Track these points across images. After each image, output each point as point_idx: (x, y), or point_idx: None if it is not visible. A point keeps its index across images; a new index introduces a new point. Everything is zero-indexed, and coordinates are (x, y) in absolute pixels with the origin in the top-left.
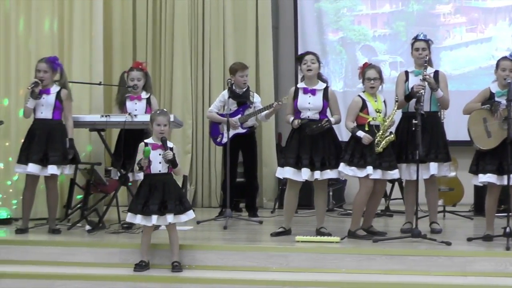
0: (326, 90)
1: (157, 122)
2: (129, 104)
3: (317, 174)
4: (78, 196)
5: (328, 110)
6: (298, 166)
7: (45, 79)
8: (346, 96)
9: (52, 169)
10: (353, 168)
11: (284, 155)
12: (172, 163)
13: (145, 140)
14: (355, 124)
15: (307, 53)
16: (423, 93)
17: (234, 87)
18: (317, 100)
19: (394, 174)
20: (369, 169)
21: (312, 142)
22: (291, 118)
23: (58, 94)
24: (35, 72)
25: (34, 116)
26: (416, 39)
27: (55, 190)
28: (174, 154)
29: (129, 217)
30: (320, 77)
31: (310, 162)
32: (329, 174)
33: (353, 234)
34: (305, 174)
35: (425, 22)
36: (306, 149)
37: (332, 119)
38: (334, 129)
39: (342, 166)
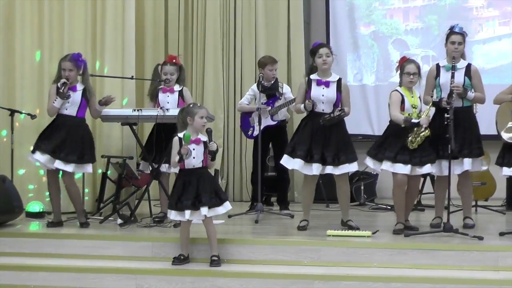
0: (339, 82)
1: (201, 115)
2: (161, 97)
3: (330, 169)
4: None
5: (340, 102)
6: (307, 159)
7: (71, 77)
8: (378, 90)
9: (59, 164)
10: (386, 162)
11: (293, 143)
12: (214, 155)
13: (179, 134)
14: (403, 115)
15: (322, 45)
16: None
17: (262, 80)
18: (330, 92)
19: (424, 169)
20: (400, 167)
21: (324, 136)
22: (302, 105)
23: (84, 92)
24: (59, 70)
25: (58, 113)
26: (452, 31)
27: (73, 187)
28: (217, 147)
29: (168, 213)
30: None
31: (322, 157)
32: (349, 167)
33: (394, 229)
34: (316, 169)
35: (457, 15)
36: (318, 143)
37: (345, 109)
38: (344, 122)
39: (368, 160)
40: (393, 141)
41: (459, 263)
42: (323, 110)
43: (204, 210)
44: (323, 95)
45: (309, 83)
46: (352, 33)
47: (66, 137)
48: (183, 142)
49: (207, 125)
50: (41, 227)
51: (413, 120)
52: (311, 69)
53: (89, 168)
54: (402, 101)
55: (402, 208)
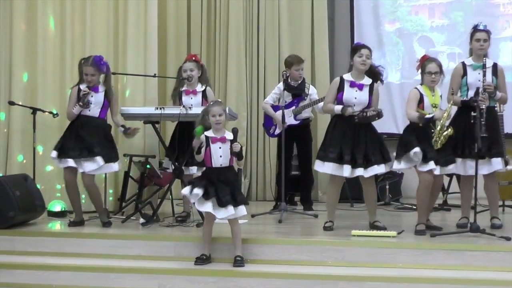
0: (372, 85)
1: (212, 113)
2: (185, 99)
3: (360, 171)
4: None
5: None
6: (340, 161)
7: (93, 82)
8: (403, 88)
9: (83, 165)
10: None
11: (324, 147)
12: (239, 156)
13: (205, 133)
14: (417, 112)
15: (364, 46)
16: (483, 106)
17: (289, 80)
18: (363, 96)
19: (450, 169)
20: (431, 164)
21: (354, 137)
22: (340, 107)
23: (106, 93)
24: (81, 74)
25: (79, 113)
26: (476, 29)
27: (92, 187)
28: (241, 147)
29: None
30: (373, 69)
31: (352, 159)
32: (376, 169)
33: (415, 228)
34: (346, 171)
35: (483, 12)
36: (348, 144)
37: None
38: (373, 124)
39: (397, 163)
40: (421, 139)
41: (485, 264)
42: (353, 113)
43: (241, 209)
44: (355, 98)
45: (341, 83)
46: (376, 30)
47: (87, 139)
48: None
49: (234, 124)
50: (63, 226)
51: (427, 116)
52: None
53: (115, 166)
54: (421, 100)
55: (425, 208)
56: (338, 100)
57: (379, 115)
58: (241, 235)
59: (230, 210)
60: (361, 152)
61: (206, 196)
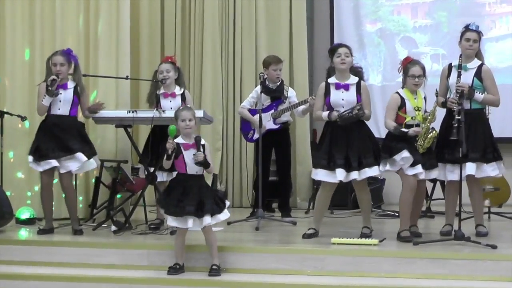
0: (359, 84)
1: (181, 118)
2: (163, 102)
3: (355, 174)
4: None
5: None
6: (330, 166)
7: (62, 73)
8: (384, 90)
9: (60, 164)
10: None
11: (316, 154)
12: (203, 165)
13: (175, 140)
14: (394, 123)
15: (341, 45)
16: (455, 108)
17: (267, 82)
18: (351, 96)
19: (433, 174)
20: (419, 167)
21: (347, 140)
22: (326, 113)
23: (76, 89)
24: (49, 65)
25: (49, 112)
26: (467, 28)
27: (71, 189)
28: (205, 156)
29: (167, 219)
30: (353, 69)
31: (346, 162)
32: (368, 172)
33: (398, 235)
34: (340, 175)
35: (469, 11)
36: (341, 148)
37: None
38: (367, 124)
39: (382, 166)
40: (407, 142)
41: (471, 273)
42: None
43: (207, 219)
44: (343, 99)
45: (327, 87)
46: (357, 31)
47: (63, 137)
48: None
49: (210, 128)
50: (32, 234)
51: (403, 129)
52: (329, 71)
53: (93, 163)
54: (403, 104)
55: (409, 214)
56: (327, 104)
57: (358, 114)
58: (216, 243)
59: (190, 222)
60: (355, 154)
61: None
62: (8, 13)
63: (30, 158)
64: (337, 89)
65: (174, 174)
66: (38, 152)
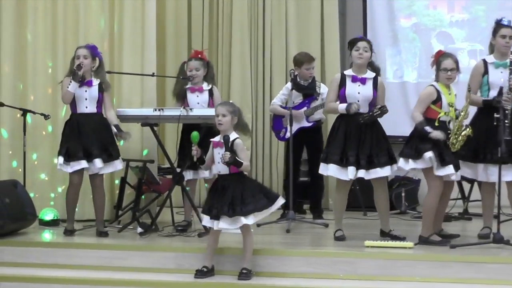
0: (376, 79)
1: (216, 113)
2: (190, 97)
3: (362, 173)
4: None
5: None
6: (343, 163)
7: (85, 65)
8: (419, 87)
9: (98, 164)
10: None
11: (327, 148)
12: (232, 164)
13: (212, 140)
14: (422, 117)
15: (361, 39)
16: (508, 107)
17: (298, 79)
18: (367, 90)
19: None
20: (450, 168)
21: (359, 137)
22: (343, 105)
23: (100, 86)
24: (73, 59)
25: (75, 111)
26: (501, 24)
27: (102, 189)
28: (232, 156)
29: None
30: (372, 65)
31: (356, 160)
32: (380, 172)
33: (425, 240)
34: (351, 172)
35: (507, 5)
36: (353, 144)
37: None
38: (379, 122)
39: (402, 162)
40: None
41: (509, 278)
42: (358, 109)
43: (241, 219)
44: (359, 93)
45: (343, 79)
46: (391, 26)
47: (94, 136)
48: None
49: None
50: (56, 235)
51: (426, 128)
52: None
53: (119, 164)
54: (439, 99)
55: (433, 218)
56: (341, 96)
57: (381, 112)
58: (252, 247)
59: (222, 223)
60: (366, 152)
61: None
62: (29, 10)
63: (61, 159)
64: (353, 81)
65: (202, 172)
66: (68, 152)
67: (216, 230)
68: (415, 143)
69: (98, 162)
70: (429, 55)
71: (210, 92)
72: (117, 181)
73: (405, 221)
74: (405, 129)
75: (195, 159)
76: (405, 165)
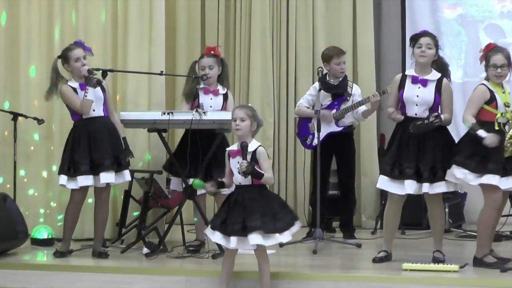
0: (440, 81)
1: (233, 116)
2: (203, 99)
3: (426, 187)
4: (134, 213)
5: (439, 106)
6: (395, 174)
7: (89, 66)
8: (466, 88)
9: (109, 177)
10: (469, 173)
11: (381, 159)
12: (251, 175)
13: (228, 149)
14: (474, 120)
15: (424, 34)
16: None
17: (328, 77)
18: (427, 93)
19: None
20: (495, 178)
21: (418, 146)
22: (390, 110)
23: (100, 84)
24: (71, 61)
25: (78, 117)
26: None
27: (107, 204)
28: (253, 164)
29: (208, 232)
30: (439, 64)
31: (416, 172)
32: (443, 186)
33: (479, 261)
34: (409, 186)
35: None
36: (410, 155)
37: (442, 117)
38: (447, 128)
39: (455, 169)
40: (478, 148)
41: None
42: (416, 114)
43: (254, 238)
44: (417, 96)
45: (403, 80)
46: (434, 17)
47: (106, 144)
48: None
49: (259, 132)
50: (50, 257)
51: (479, 132)
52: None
53: (127, 175)
54: (493, 98)
55: (490, 235)
56: (399, 98)
57: (432, 123)
58: (268, 271)
59: (233, 241)
60: (428, 163)
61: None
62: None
63: (63, 178)
64: (413, 83)
65: None
66: (73, 167)
67: (232, 250)
68: (475, 151)
69: (108, 174)
70: (476, 51)
71: (225, 97)
72: (115, 194)
73: (450, 240)
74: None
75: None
76: (469, 179)
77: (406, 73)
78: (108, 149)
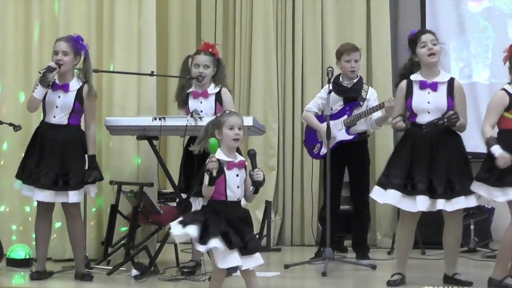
0: (451, 82)
1: (229, 124)
2: (191, 103)
3: (441, 204)
4: (122, 229)
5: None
6: (407, 190)
7: (64, 64)
8: (493, 90)
9: (73, 197)
10: (495, 189)
11: (387, 170)
12: (259, 186)
13: (219, 158)
14: (492, 133)
15: (423, 31)
16: None
17: (341, 78)
18: (439, 98)
19: None
20: None
21: (430, 155)
22: (396, 119)
23: (79, 92)
24: (53, 54)
25: (43, 119)
26: None
27: (79, 220)
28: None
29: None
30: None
31: (429, 186)
32: (463, 202)
33: (498, 284)
34: (422, 203)
35: None
36: (422, 167)
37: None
38: (460, 136)
39: (477, 186)
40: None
41: None
42: (403, 127)
43: (251, 260)
44: (428, 102)
45: (409, 87)
46: (457, 11)
47: (62, 156)
48: (210, 153)
49: (261, 140)
50: (27, 279)
51: (492, 149)
52: (411, 66)
53: (73, 196)
54: None
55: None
56: (408, 109)
57: (450, 121)
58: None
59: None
60: (442, 176)
61: (230, 245)
62: None
63: (17, 184)
64: (421, 88)
65: None
66: (28, 172)
67: (222, 273)
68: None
69: (40, 192)
70: (505, 48)
71: (218, 97)
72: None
73: (475, 261)
74: (477, 144)
75: (214, 173)
76: (495, 196)
77: (412, 78)
78: (52, 164)
